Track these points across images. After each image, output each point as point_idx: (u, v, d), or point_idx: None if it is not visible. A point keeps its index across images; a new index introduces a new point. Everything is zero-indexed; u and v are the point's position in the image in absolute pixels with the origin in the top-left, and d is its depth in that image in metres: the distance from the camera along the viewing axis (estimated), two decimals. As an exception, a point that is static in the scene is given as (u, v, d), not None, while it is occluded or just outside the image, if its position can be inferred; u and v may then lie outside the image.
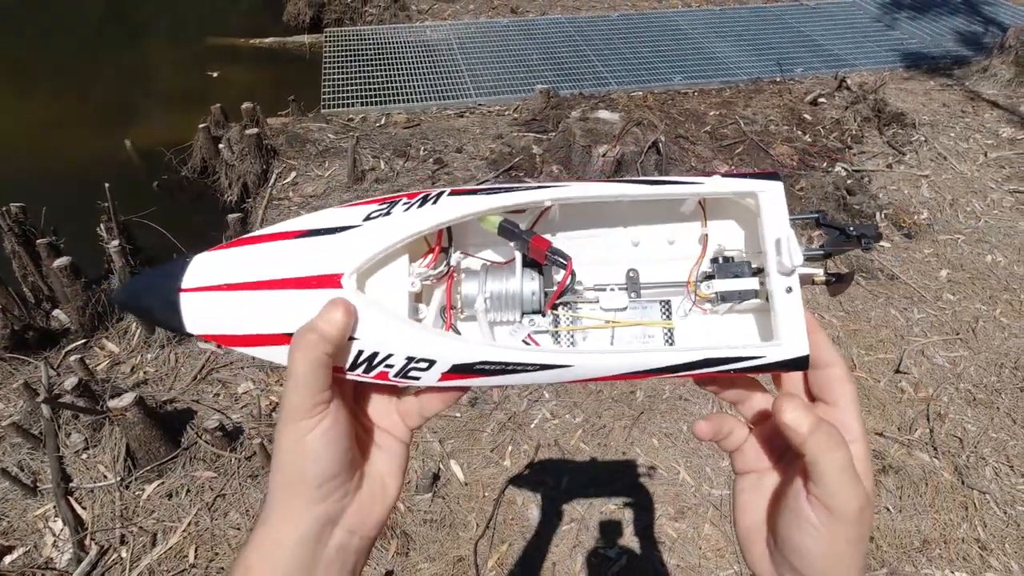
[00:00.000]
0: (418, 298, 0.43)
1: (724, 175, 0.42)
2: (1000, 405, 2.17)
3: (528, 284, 0.44)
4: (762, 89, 4.13)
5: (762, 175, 0.41)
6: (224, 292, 0.40)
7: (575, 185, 0.41)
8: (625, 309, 0.46)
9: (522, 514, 1.82)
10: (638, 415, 2.10)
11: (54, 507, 1.73)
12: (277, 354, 0.39)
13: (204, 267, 0.41)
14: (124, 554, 1.66)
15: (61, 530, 1.69)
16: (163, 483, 1.82)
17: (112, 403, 1.69)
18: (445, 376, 0.40)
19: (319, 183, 3.18)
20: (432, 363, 0.39)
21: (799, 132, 3.63)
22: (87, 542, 1.68)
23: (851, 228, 0.42)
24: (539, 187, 0.41)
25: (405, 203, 0.41)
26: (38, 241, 2.20)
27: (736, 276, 0.44)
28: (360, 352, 0.39)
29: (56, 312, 2.27)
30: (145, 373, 2.12)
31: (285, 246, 0.40)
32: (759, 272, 0.44)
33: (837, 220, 0.41)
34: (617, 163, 3.17)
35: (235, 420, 1.96)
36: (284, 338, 0.39)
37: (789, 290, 0.39)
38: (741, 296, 0.43)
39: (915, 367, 2.31)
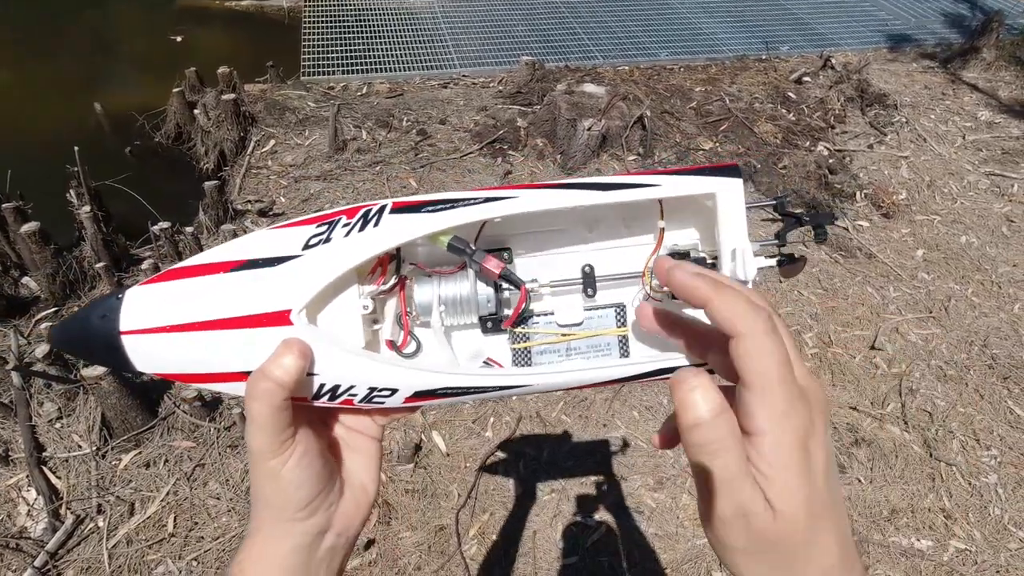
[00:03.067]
0: (372, 317, 0.42)
1: (685, 171, 0.40)
2: (969, 381, 2.24)
3: (482, 289, 0.44)
4: (748, 66, 4.12)
5: (722, 169, 0.40)
6: (170, 334, 0.38)
7: (525, 195, 0.39)
8: (581, 324, 0.47)
9: (503, 484, 1.84)
10: (619, 388, 2.12)
11: (27, 476, 1.69)
12: (237, 388, 0.39)
13: (141, 305, 0.39)
14: (101, 523, 1.64)
15: (35, 499, 1.66)
16: (140, 453, 1.79)
17: (86, 372, 1.65)
18: (409, 400, 0.40)
19: (299, 152, 3.11)
20: (394, 391, 0.39)
21: (783, 110, 3.64)
22: (62, 511, 1.65)
23: (806, 217, 0.42)
24: (487, 200, 0.39)
25: (345, 224, 0.39)
26: (3, 206, 2.11)
27: None
28: (322, 385, 0.38)
29: (25, 279, 2.20)
30: (120, 342, 2.07)
31: (225, 280, 0.38)
32: (714, 263, 0.44)
33: (791, 208, 0.42)
34: (602, 137, 3.15)
35: (212, 392, 1.93)
36: (242, 376, 0.38)
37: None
38: None
39: (889, 344, 2.36)
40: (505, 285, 0.44)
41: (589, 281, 0.45)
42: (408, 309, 0.43)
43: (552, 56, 4.08)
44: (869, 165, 3.31)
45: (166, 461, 1.79)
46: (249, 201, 2.77)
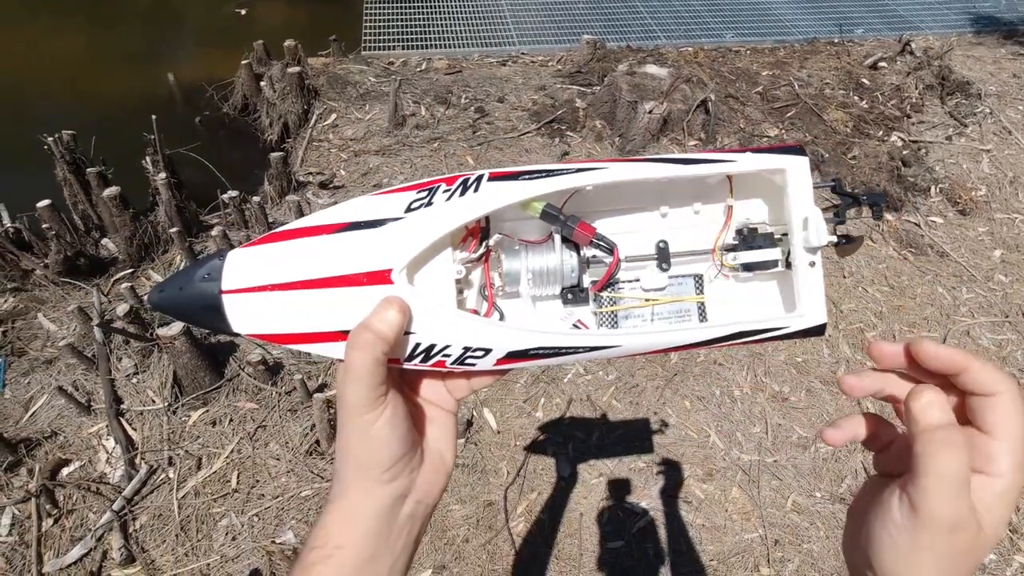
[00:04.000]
0: (459, 286, 0.44)
1: (753, 150, 0.43)
2: (1044, 391, 2.12)
3: (567, 260, 0.45)
4: (819, 50, 3.94)
5: (787, 149, 0.43)
6: (272, 292, 0.39)
7: (612, 167, 0.41)
8: (664, 289, 0.49)
9: (552, 465, 1.86)
10: (671, 376, 2.10)
11: (107, 426, 1.81)
12: (333, 350, 0.40)
13: (243, 266, 0.40)
14: (172, 475, 1.74)
15: (113, 448, 1.77)
16: (207, 411, 1.89)
17: (161, 331, 1.74)
18: (501, 361, 0.41)
19: (359, 127, 3.15)
20: (488, 351, 0.40)
21: (855, 97, 3.47)
22: (138, 461, 1.76)
23: (864, 197, 0.44)
24: (578, 170, 0.41)
25: (445, 190, 0.40)
26: (88, 170, 2.23)
27: (760, 248, 0.47)
28: (417, 345, 0.39)
29: (105, 241, 2.33)
30: (190, 305, 2.17)
31: (327, 241, 0.39)
32: (782, 239, 0.46)
33: (847, 188, 0.45)
34: (663, 121, 3.07)
35: (276, 355, 2.01)
36: (339, 335, 0.39)
37: (812, 264, 0.43)
38: (764, 267, 0.47)
39: (959, 347, 2.25)
40: (592, 254, 0.46)
41: (663, 256, 0.48)
42: (492, 280, 0.45)
43: (613, 36, 3.99)
44: (947, 158, 3.13)
45: (231, 420, 1.88)
46: (311, 173, 2.84)
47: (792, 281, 0.44)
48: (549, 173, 0.41)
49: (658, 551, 1.69)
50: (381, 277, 0.38)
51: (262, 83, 3.20)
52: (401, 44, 3.84)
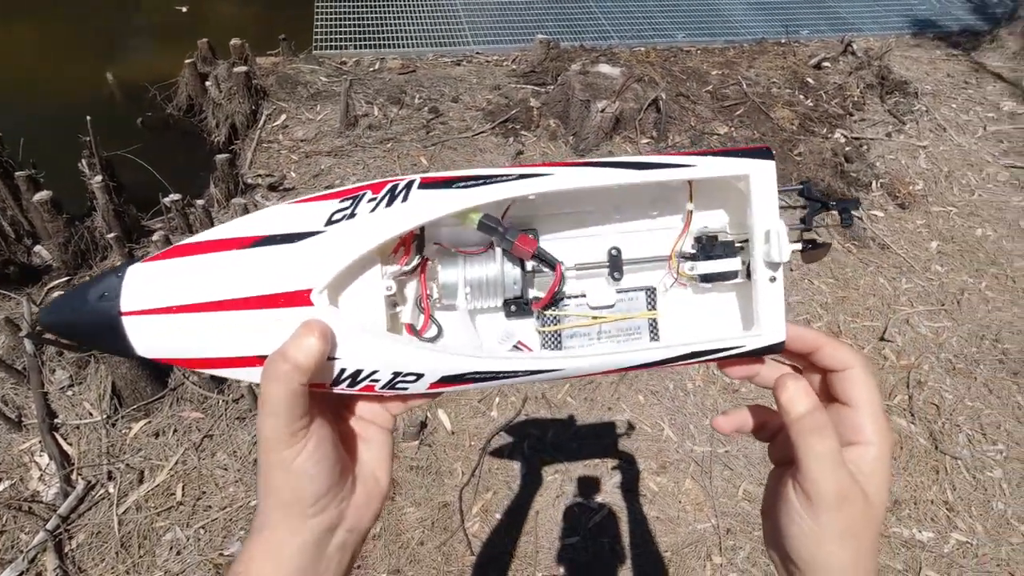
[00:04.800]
0: (392, 300, 0.41)
1: (716, 153, 0.40)
2: (978, 375, 2.22)
3: (509, 271, 0.42)
4: (766, 50, 4.04)
5: (753, 151, 0.40)
6: (179, 315, 0.35)
7: (559, 172, 0.38)
8: (613, 306, 0.45)
9: (507, 464, 1.85)
10: (626, 371, 2.11)
11: (39, 442, 1.72)
12: (251, 375, 0.36)
13: (145, 284, 0.36)
14: (111, 489, 1.67)
15: (47, 465, 1.69)
16: (150, 422, 1.82)
17: (97, 341, 1.67)
18: (434, 385, 0.38)
19: (310, 127, 3.09)
20: (420, 376, 0.38)
21: (801, 96, 3.58)
22: (74, 477, 1.68)
23: (832, 202, 0.41)
24: (520, 176, 0.37)
25: (371, 199, 0.37)
26: (17, 174, 2.12)
27: (719, 257, 0.44)
28: (343, 370, 0.36)
29: (38, 248, 2.22)
30: (130, 313, 2.08)
31: (239, 258, 0.36)
32: (743, 245, 0.43)
33: (817, 193, 0.42)
34: (616, 119, 3.11)
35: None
36: (257, 360, 0.36)
37: (773, 279, 0.40)
38: (723, 278, 0.44)
39: (899, 335, 2.34)
40: (534, 266, 0.43)
41: (616, 264, 0.45)
42: (429, 292, 0.42)
43: (567, 35, 4.02)
44: (886, 154, 3.25)
45: (175, 431, 1.81)
46: (260, 175, 2.77)
47: (751, 292, 0.41)
48: (487, 180, 0.37)
49: (614, 545, 1.70)
50: (300, 298, 0.35)
51: (207, 83, 3.11)
52: (353, 43, 3.79)
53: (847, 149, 3.19)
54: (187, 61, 3.13)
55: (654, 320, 0.46)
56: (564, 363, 0.39)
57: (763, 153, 0.39)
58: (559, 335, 0.45)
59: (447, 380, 0.38)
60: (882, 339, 2.32)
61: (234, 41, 3.17)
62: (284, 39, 3.55)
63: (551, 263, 0.43)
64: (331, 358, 0.36)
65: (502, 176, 0.37)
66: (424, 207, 0.36)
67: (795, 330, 0.39)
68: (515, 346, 0.45)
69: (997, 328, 2.40)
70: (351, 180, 2.80)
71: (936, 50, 4.31)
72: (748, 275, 0.42)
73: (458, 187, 0.37)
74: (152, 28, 4.11)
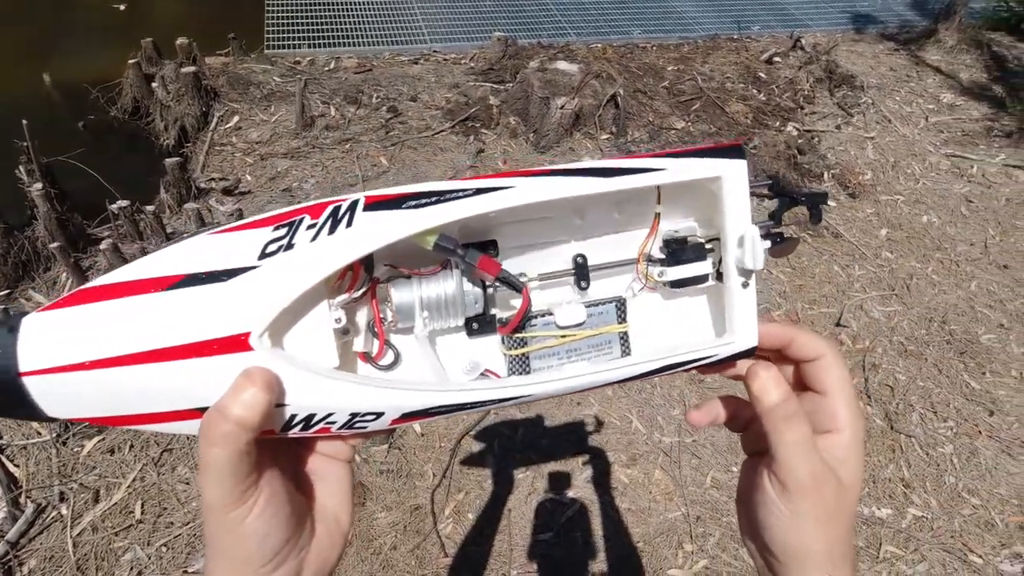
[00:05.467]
0: (345, 330, 0.37)
1: (685, 153, 0.38)
2: (928, 356, 2.32)
3: (470, 288, 0.39)
4: (720, 46, 4.13)
5: (725, 150, 0.38)
6: (94, 371, 0.30)
7: (520, 183, 0.35)
8: (583, 324, 0.43)
9: (478, 464, 1.84)
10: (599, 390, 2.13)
11: (-17, 465, 1.63)
12: (185, 428, 0.33)
13: (47, 337, 0.31)
14: (64, 511, 1.59)
15: (-8, 489, 1.60)
16: (104, 439, 1.74)
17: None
18: (396, 421, 0.36)
19: (265, 129, 3.01)
20: (379, 415, 0.35)
21: (754, 90, 3.67)
22: (22, 500, 1.60)
23: (802, 197, 0.41)
24: (476, 191, 0.34)
25: (310, 225, 0.33)
26: (-51, 182, 2.00)
27: (689, 262, 0.42)
28: (293, 416, 0.33)
29: (-26, 261, 2.10)
30: (79, 326, 1.99)
31: (159, 301, 0.31)
32: (713, 247, 0.42)
33: (789, 187, 0.40)
34: (576, 116, 3.13)
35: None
36: (192, 413, 0.32)
37: (745, 285, 0.39)
38: (694, 282, 0.42)
39: (854, 320, 2.43)
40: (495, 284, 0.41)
41: (581, 272, 0.43)
42: (382, 315, 0.38)
43: (524, 33, 4.02)
44: (837, 146, 3.36)
45: (131, 447, 1.74)
46: (214, 179, 2.68)
47: (722, 294, 0.40)
48: (441, 197, 0.34)
49: (587, 538, 1.71)
50: (237, 343, 0.31)
51: (154, 84, 2.99)
52: (307, 43, 3.70)
53: (799, 141, 3.28)
54: (131, 61, 3.01)
55: (624, 333, 0.44)
56: (534, 388, 0.37)
57: (735, 151, 0.38)
58: (527, 357, 0.42)
59: (410, 415, 0.36)
60: (838, 324, 2.40)
61: (180, 40, 3.06)
62: (234, 38, 3.45)
63: (516, 287, 0.40)
64: (280, 405, 0.32)
65: (458, 191, 0.34)
66: (371, 233, 0.33)
67: (766, 328, 0.39)
68: (483, 374, 0.42)
69: (944, 311, 2.51)
70: (310, 182, 2.74)
71: (879, 45, 4.48)
72: (719, 276, 0.41)
73: (408, 207, 0.33)
74: (89, 27, 3.93)
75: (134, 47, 3.10)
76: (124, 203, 2.15)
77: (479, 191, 0.34)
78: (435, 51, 3.84)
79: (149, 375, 0.31)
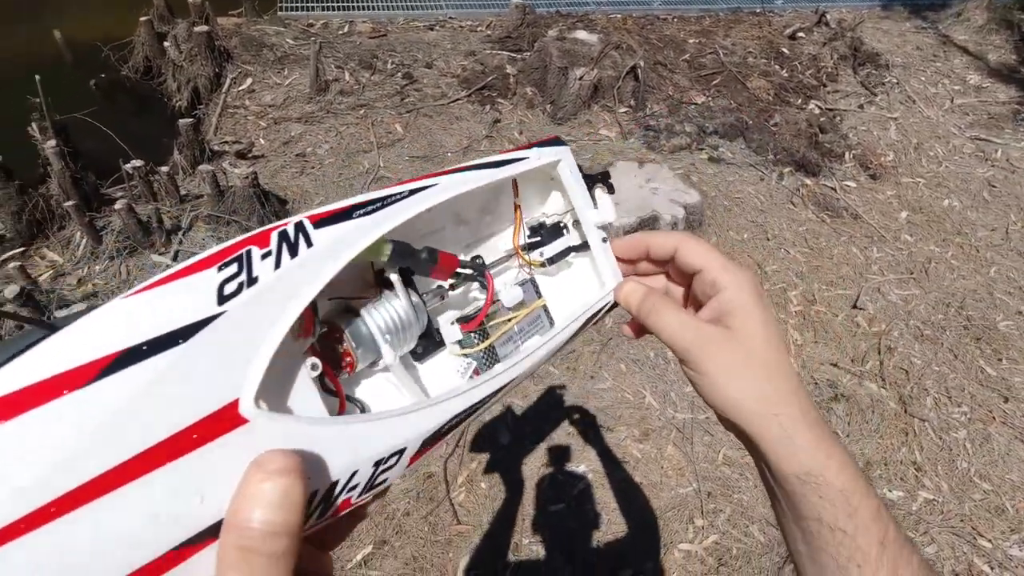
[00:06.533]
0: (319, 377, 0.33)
1: (515, 151, 0.44)
2: (944, 341, 2.30)
3: (415, 298, 0.39)
4: (742, 20, 4.03)
5: (549, 142, 0.45)
6: (28, 536, 0.19)
7: (443, 180, 0.38)
8: (523, 302, 0.47)
9: (491, 434, 1.85)
10: (606, 341, 2.12)
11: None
12: (197, 569, 0.23)
13: None
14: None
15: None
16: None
17: (60, 314, 1.59)
18: (415, 457, 0.33)
19: (278, 92, 2.96)
20: (402, 452, 0.31)
21: (777, 66, 3.58)
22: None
23: (599, 176, 0.48)
24: (411, 192, 0.35)
25: (265, 254, 0.28)
26: (-38, 137, 1.98)
27: (554, 238, 0.49)
28: (314, 493, 0.27)
29: (-12, 217, 2.09)
30: (94, 285, 1.99)
31: (90, 399, 0.21)
32: (565, 224, 0.50)
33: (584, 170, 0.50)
34: (594, 87, 3.06)
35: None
36: (188, 550, 0.23)
37: (605, 240, 0.46)
38: (565, 254, 0.49)
39: (871, 303, 2.40)
40: (441, 286, 0.43)
41: (480, 271, 0.47)
42: (335, 362, 0.35)
43: (542, 0, 3.92)
44: (859, 125, 3.29)
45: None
46: (227, 142, 2.65)
47: (592, 257, 0.47)
48: (384, 202, 0.33)
49: (598, 511, 1.72)
50: (224, 420, 0.23)
51: (166, 43, 2.94)
52: (321, 5, 3.63)
53: (821, 120, 3.22)
54: (143, 19, 2.95)
55: (545, 306, 0.49)
56: (516, 371, 0.39)
57: (558, 142, 0.45)
58: (493, 347, 0.44)
59: (429, 441, 0.33)
60: (855, 307, 2.38)
61: (193, -1, 3.00)
62: (247, -2, 3.38)
63: (479, 269, 0.44)
64: None
65: (396, 195, 0.35)
66: (336, 246, 0.30)
67: (620, 242, 0.45)
68: (471, 376, 0.43)
69: (962, 296, 2.48)
70: (324, 147, 2.70)
71: (906, 23, 4.36)
72: (585, 246, 0.47)
73: (359, 215, 0.32)
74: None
75: (146, 4, 3.03)
76: (138, 163, 2.12)
77: (412, 191, 0.36)
78: (451, 17, 3.75)
79: (100, 519, 0.21)
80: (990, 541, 1.74)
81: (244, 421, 0.24)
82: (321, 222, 0.30)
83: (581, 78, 3.01)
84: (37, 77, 2.09)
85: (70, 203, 1.95)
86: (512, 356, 0.43)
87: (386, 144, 2.74)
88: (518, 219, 0.48)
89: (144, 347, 0.23)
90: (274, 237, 0.29)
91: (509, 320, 0.46)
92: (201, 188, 2.26)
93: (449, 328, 0.42)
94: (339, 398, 0.34)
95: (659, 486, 1.78)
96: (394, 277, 0.37)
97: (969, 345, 2.29)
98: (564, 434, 1.86)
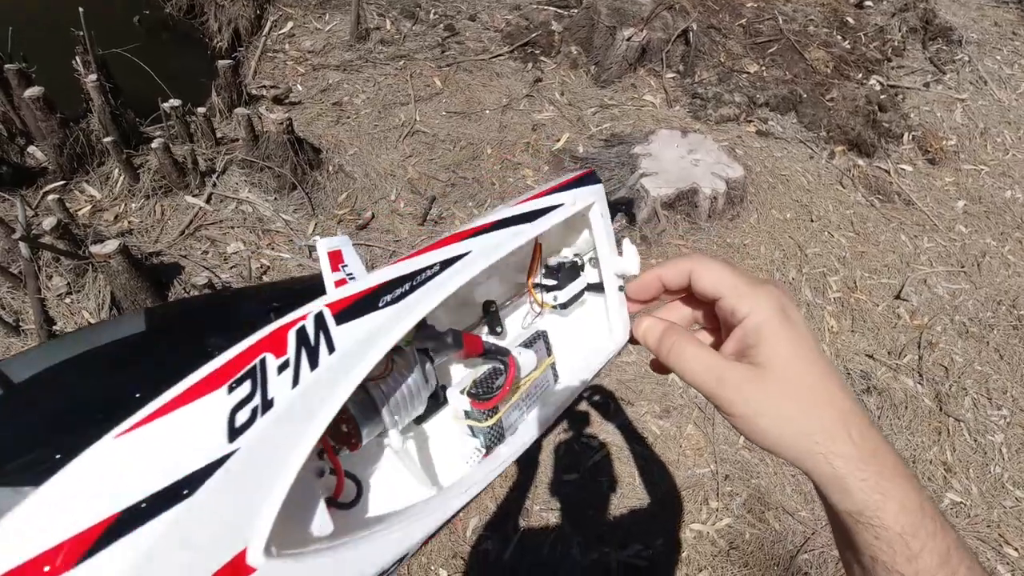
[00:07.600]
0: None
1: (554, 190, 0.42)
2: (990, 340, 2.19)
3: (429, 370, 0.39)
4: (807, -16, 3.78)
5: (582, 179, 0.43)
6: None
7: (474, 245, 0.36)
8: (536, 367, 0.46)
9: (510, 399, 1.84)
10: (633, 315, 2.08)
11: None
12: None
13: None
14: (111, 400, 1.65)
15: (46, 371, 1.66)
16: (150, 336, 1.78)
17: (95, 248, 1.61)
18: (412, 556, 0.35)
19: (318, 38, 2.91)
20: (403, 557, 0.33)
21: (839, 36, 3.37)
22: (73, 385, 1.66)
23: (622, 206, 0.48)
24: (442, 266, 0.34)
25: (281, 366, 0.25)
26: (7, 66, 1.99)
27: (572, 281, 0.48)
28: None
29: (32, 148, 2.12)
30: (129, 223, 2.02)
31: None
32: (583, 262, 0.49)
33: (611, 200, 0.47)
34: (642, 50, 2.93)
35: (224, 279, 1.90)
36: None
37: (621, 288, 0.44)
38: (579, 298, 0.48)
39: (915, 295, 2.29)
40: (431, 344, 0.41)
41: (493, 319, 0.46)
42: (339, 446, 0.34)
43: (595, -46, 3.74)
44: (922, 105, 3.10)
45: (176, 346, 1.78)
46: (265, 86, 2.63)
47: (605, 302, 0.45)
48: (412, 282, 0.30)
49: (612, 484, 1.71)
50: (229, 572, 0.21)
51: (209, -19, 2.90)
52: (366, -52, 3.52)
53: (882, 97, 3.03)
54: (187, -45, 2.91)
55: (553, 363, 0.48)
56: (515, 449, 0.40)
57: (591, 179, 0.43)
58: (500, 424, 0.43)
59: (428, 538, 0.33)
60: (898, 297, 2.27)
61: (238, -64, 2.93)
62: (292, -62, 3.29)
63: (502, 354, 0.42)
64: None
65: (424, 270, 0.32)
66: (362, 351, 0.27)
67: (632, 287, 0.42)
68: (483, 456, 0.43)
69: (1015, 294, 2.35)
70: (361, 97, 2.66)
71: (986, -4, 4.04)
72: (599, 288, 0.45)
73: (386, 303, 0.29)
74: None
75: (191, -60, 2.98)
76: (176, 103, 2.12)
77: (444, 264, 0.33)
78: (498, -32, 3.61)
79: None
80: (1017, 550, 1.69)
81: (251, 571, 0.22)
82: (344, 314, 0.28)
83: (629, 39, 2.88)
84: (81, 9, 2.08)
85: (109, 139, 1.97)
86: (517, 431, 0.43)
87: (424, 98, 2.69)
88: (537, 256, 0.46)
89: (144, 505, 0.20)
90: (291, 339, 0.26)
91: (517, 389, 0.44)
92: (236, 132, 2.25)
93: (458, 398, 0.41)
94: (337, 476, 0.33)
95: (676, 464, 1.76)
96: (412, 353, 0.37)
97: (1017, 346, 2.18)
98: (584, 405, 1.84)
